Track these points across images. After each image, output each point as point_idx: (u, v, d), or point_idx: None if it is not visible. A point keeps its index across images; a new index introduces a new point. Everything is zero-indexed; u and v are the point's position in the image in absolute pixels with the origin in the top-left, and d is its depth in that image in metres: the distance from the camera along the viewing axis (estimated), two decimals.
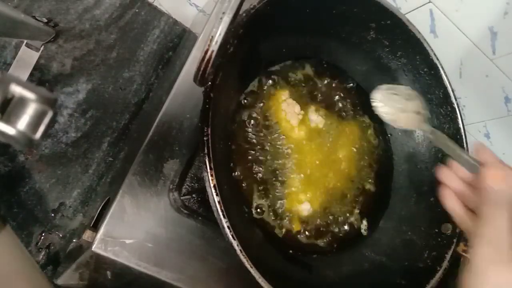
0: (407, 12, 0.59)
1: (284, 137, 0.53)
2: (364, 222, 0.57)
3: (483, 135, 0.77)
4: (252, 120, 0.52)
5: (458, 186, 0.42)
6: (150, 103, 0.72)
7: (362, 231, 0.56)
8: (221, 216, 0.37)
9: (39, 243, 0.64)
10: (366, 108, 0.60)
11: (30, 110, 0.24)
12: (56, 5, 0.67)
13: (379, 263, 0.53)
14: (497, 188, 0.36)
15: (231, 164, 0.49)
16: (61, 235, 0.65)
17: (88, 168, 0.68)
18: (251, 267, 0.37)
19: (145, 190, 0.48)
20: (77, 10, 0.68)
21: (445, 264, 0.48)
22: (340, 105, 0.59)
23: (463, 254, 0.49)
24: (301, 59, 0.57)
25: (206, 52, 0.36)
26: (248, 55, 0.50)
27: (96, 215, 0.51)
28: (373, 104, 0.47)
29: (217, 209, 0.37)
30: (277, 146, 0.52)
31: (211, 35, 0.36)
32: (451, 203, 0.42)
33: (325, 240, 0.54)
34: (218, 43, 0.36)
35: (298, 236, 0.52)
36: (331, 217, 0.54)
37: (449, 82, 0.53)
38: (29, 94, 0.24)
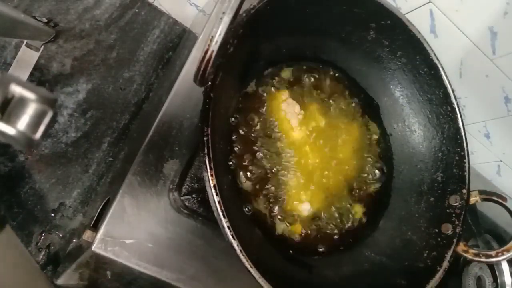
0: (407, 12, 0.59)
1: (284, 137, 0.53)
2: (364, 222, 0.57)
3: (483, 135, 0.77)
4: (252, 120, 0.52)
5: None
6: (150, 103, 0.71)
7: (362, 231, 0.56)
8: (221, 216, 0.37)
9: (39, 243, 0.64)
10: (366, 108, 0.60)
11: (30, 110, 0.24)
12: (56, 5, 0.67)
13: (379, 263, 0.53)
14: None
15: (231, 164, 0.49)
16: (61, 235, 0.65)
17: (88, 168, 0.68)
18: (251, 267, 0.37)
19: (145, 190, 0.48)
20: (77, 10, 0.68)
21: (445, 264, 0.48)
22: (340, 105, 0.59)
23: (463, 254, 0.48)
24: (301, 59, 0.57)
25: (206, 52, 0.36)
26: (248, 55, 0.50)
27: (96, 215, 0.51)
28: None
29: (217, 209, 0.37)
30: (277, 146, 0.52)
31: (211, 35, 0.36)
32: None
33: (325, 240, 0.54)
34: (218, 43, 0.36)
35: (298, 236, 0.52)
36: (331, 217, 0.54)
37: (449, 82, 0.53)
38: (29, 94, 0.24)
